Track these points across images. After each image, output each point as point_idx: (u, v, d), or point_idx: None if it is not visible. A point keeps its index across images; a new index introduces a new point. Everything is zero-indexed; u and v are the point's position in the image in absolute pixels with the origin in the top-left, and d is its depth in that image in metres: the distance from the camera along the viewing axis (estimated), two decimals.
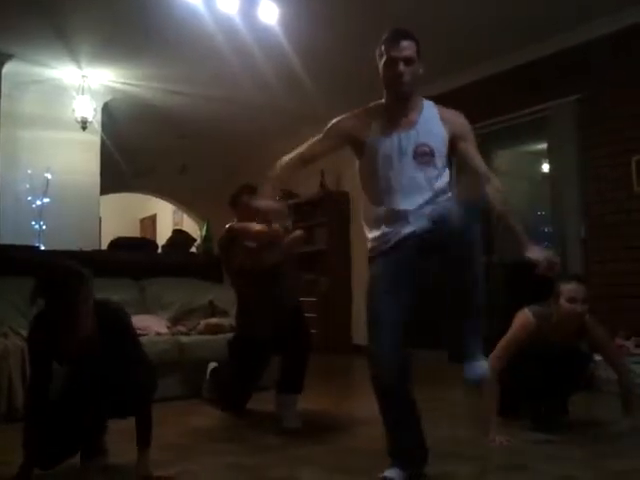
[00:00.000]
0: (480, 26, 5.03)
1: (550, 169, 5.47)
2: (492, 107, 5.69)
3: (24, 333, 3.96)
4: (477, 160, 2.36)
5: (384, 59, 2.32)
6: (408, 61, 2.27)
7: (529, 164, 6.84)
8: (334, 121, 2.48)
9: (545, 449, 2.44)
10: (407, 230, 2.28)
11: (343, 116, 2.46)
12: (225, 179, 9.66)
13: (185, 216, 10.98)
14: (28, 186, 5.83)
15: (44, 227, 5.85)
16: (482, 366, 2.14)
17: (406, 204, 2.29)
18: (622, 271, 4.73)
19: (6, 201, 5.65)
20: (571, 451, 2.88)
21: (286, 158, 2.45)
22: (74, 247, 5.20)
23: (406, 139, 2.31)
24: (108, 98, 6.70)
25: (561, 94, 5.21)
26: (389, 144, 2.32)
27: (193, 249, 5.82)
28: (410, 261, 2.25)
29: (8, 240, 5.20)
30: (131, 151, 8.01)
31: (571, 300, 3.04)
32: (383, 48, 2.33)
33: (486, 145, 6.15)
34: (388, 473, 2.29)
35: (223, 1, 4.64)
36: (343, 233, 7.47)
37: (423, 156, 2.29)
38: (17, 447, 2.37)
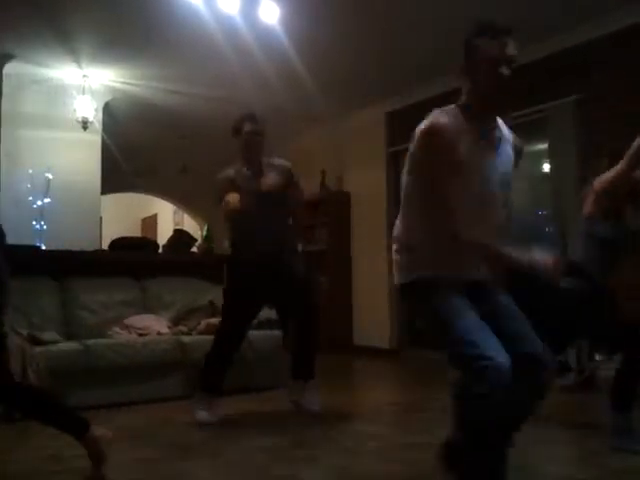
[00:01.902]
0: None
1: (551, 169, 5.48)
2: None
3: (24, 333, 3.98)
4: None
5: (485, 59, 1.87)
6: (512, 63, 1.90)
7: (530, 164, 6.84)
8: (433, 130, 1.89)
9: (545, 448, 2.44)
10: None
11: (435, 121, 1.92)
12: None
13: (186, 216, 10.99)
14: (29, 186, 5.83)
15: (45, 227, 5.85)
16: None
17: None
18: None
19: (7, 201, 5.64)
20: (570, 451, 2.89)
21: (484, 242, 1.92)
22: (75, 247, 5.21)
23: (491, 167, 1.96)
24: (109, 98, 6.70)
25: (560, 94, 5.21)
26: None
27: (194, 249, 5.81)
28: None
29: (9, 240, 5.16)
30: (132, 151, 8.02)
31: None
32: (484, 42, 1.91)
33: None
34: None
35: (224, 1, 4.64)
36: (344, 233, 7.47)
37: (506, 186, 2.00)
38: (15, 446, 2.37)
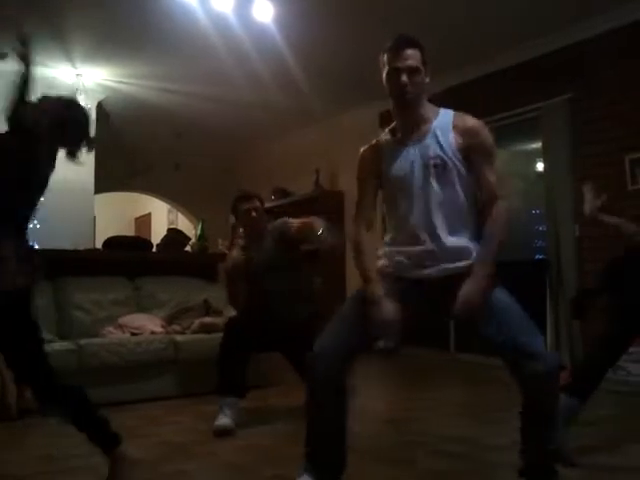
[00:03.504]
0: (473, 26, 5.04)
1: (544, 168, 5.49)
2: (485, 107, 5.70)
3: None
4: (486, 178, 2.16)
5: (386, 70, 2.16)
6: (412, 71, 2.11)
7: (523, 163, 6.86)
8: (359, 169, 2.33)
9: None
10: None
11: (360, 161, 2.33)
12: (220, 178, 9.67)
13: (180, 215, 10.96)
14: None
15: (38, 226, 5.82)
16: None
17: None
18: None
19: None
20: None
21: (356, 235, 2.26)
22: (68, 246, 5.19)
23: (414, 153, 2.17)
24: (102, 97, 6.68)
25: (554, 93, 5.23)
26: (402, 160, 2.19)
27: (188, 248, 5.80)
28: None
29: None
30: (126, 150, 8.00)
31: None
32: (385, 58, 2.17)
33: None
34: None
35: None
36: (337, 232, 7.46)
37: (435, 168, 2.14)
38: (10, 446, 2.36)
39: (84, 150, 2.45)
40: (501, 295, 2.09)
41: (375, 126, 6.97)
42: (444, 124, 2.17)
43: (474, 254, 2.12)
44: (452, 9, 4.76)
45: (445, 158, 2.12)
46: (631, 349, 4.34)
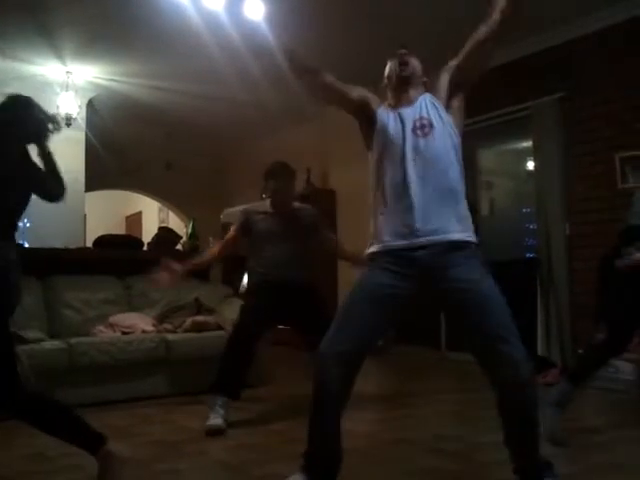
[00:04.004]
0: (464, 24, 5.03)
1: (535, 167, 5.51)
2: (476, 105, 5.69)
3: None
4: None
5: (387, 67, 2.42)
6: (409, 55, 2.39)
7: (514, 162, 6.89)
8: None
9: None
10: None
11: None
12: (211, 176, 9.65)
13: (171, 213, 10.92)
14: None
15: (28, 224, 5.79)
16: None
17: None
18: None
19: None
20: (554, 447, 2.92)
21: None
22: (59, 244, 5.16)
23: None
24: (93, 94, 6.65)
25: (544, 92, 5.25)
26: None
27: (179, 247, 5.79)
28: None
29: None
30: (116, 148, 7.97)
31: None
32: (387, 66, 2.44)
33: (471, 143, 6.19)
34: None
35: None
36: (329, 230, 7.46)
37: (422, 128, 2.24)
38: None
39: (50, 133, 2.42)
40: (493, 288, 2.11)
41: None
42: (427, 96, 2.33)
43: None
44: (442, 7, 4.76)
45: (432, 120, 2.23)
46: None
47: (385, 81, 2.44)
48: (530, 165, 6.12)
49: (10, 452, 2.98)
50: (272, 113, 7.31)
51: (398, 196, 2.17)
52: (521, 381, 2.04)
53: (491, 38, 2.27)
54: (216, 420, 3.32)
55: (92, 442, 2.28)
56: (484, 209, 6.44)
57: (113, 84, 6.48)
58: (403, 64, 2.36)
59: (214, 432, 3.25)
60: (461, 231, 2.15)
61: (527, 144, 5.82)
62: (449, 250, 2.10)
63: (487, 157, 6.56)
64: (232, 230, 3.87)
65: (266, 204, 3.88)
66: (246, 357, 3.57)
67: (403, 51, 2.41)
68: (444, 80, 2.35)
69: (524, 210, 6.63)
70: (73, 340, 4.08)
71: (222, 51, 5.46)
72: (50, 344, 4.00)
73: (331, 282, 7.39)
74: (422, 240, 2.10)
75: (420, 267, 2.11)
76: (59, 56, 5.78)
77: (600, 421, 3.55)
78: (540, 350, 5.05)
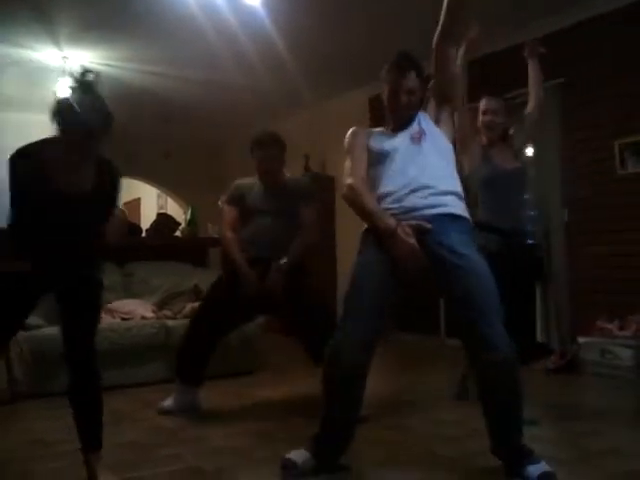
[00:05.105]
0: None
1: (534, 152, 5.50)
2: (475, 91, 5.67)
3: None
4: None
5: (388, 89, 2.42)
6: (411, 93, 2.40)
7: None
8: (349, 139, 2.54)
9: (527, 429, 2.48)
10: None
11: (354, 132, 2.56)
12: (209, 162, 9.62)
13: (169, 199, 10.91)
14: None
15: None
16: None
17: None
18: (605, 254, 4.77)
19: None
20: (552, 431, 2.94)
21: (357, 187, 2.38)
22: None
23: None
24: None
25: (544, 78, 5.21)
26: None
27: (178, 233, 5.78)
28: None
29: None
30: (113, 134, 7.92)
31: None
32: (387, 76, 2.43)
33: None
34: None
35: None
36: (328, 217, 7.46)
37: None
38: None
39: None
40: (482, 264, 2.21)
41: (364, 111, 6.95)
42: (421, 115, 2.48)
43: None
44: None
45: (426, 130, 2.39)
46: (618, 333, 4.42)
47: (385, 99, 2.47)
48: (529, 151, 6.10)
49: (11, 436, 3.00)
50: (270, 99, 7.27)
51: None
52: (499, 364, 2.08)
53: (445, 40, 2.34)
54: (168, 403, 3.49)
55: (98, 441, 2.31)
56: None
57: (109, 69, 6.42)
58: (409, 93, 2.39)
59: (165, 413, 3.43)
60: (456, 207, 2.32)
61: None
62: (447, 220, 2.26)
63: None
64: (225, 206, 3.66)
65: (256, 178, 3.68)
66: (210, 342, 3.52)
67: (408, 73, 2.40)
68: (432, 101, 2.52)
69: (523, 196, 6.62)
70: None
71: (219, 36, 5.43)
72: (50, 330, 3.99)
73: (330, 269, 7.41)
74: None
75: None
76: (55, 41, 5.72)
77: (598, 407, 3.56)
78: (539, 336, 5.06)
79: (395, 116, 2.46)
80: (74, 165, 2.20)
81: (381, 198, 2.33)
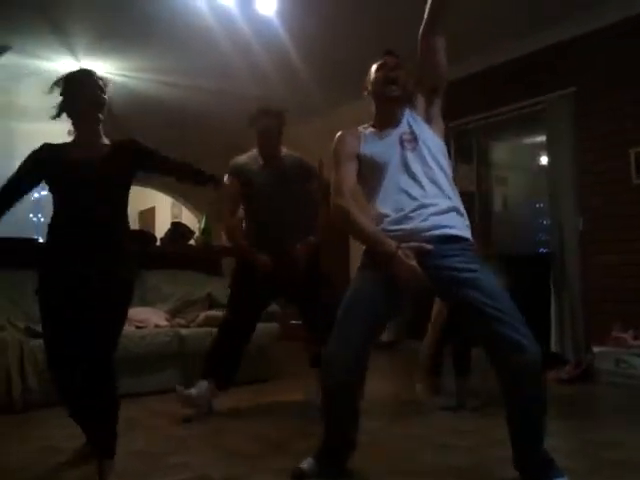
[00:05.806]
0: (477, 19, 5.01)
1: (548, 161, 5.48)
2: (489, 100, 5.68)
3: (22, 326, 3.98)
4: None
5: (374, 77, 2.41)
6: (397, 66, 2.40)
7: (528, 156, 6.85)
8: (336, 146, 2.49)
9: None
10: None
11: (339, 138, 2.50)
12: (223, 171, 9.66)
13: (184, 208, 10.96)
14: None
15: (42, 220, 5.84)
16: None
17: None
18: (619, 263, 4.74)
19: None
20: (566, 441, 2.91)
21: (350, 210, 2.29)
22: None
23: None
24: None
25: (558, 87, 5.20)
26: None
27: (192, 242, 5.81)
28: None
29: (6, 233, 5.19)
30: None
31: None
32: (373, 68, 2.43)
33: (484, 137, 6.17)
34: None
35: None
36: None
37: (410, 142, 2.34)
38: (15, 437, 2.37)
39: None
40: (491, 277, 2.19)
41: None
42: (409, 112, 2.43)
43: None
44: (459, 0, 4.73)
45: (418, 134, 2.33)
46: (633, 343, 4.38)
47: (368, 93, 2.48)
48: (544, 160, 6.08)
49: (25, 444, 3.00)
50: (283, 107, 7.29)
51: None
52: (529, 365, 2.04)
53: (431, 29, 2.35)
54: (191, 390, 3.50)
55: (111, 448, 2.34)
56: (497, 204, 6.41)
57: (125, 80, 6.50)
58: (391, 82, 2.36)
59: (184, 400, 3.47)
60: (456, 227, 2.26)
61: (541, 139, 5.79)
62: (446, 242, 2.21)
63: (500, 152, 6.52)
64: (227, 182, 3.62)
65: (255, 153, 3.67)
66: (241, 341, 3.63)
67: (391, 63, 2.40)
68: (420, 98, 2.44)
69: (537, 205, 6.60)
70: None
71: (233, 46, 5.47)
72: None
73: (343, 269, 7.39)
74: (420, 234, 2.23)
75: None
76: (72, 51, 5.79)
77: (613, 418, 3.52)
78: (553, 346, 5.02)
79: (384, 108, 2.43)
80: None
81: (379, 219, 2.28)
